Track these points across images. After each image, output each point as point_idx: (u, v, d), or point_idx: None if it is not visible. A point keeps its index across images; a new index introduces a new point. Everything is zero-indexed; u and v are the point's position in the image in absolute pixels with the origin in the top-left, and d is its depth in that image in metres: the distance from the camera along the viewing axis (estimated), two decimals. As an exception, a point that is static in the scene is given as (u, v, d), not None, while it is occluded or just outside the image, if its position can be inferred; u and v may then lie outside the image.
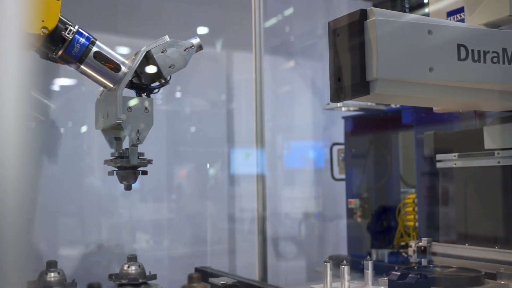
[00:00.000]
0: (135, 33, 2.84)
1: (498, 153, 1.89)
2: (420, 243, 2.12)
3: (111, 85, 1.60)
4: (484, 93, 1.62)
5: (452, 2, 1.80)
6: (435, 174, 2.17)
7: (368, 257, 1.70)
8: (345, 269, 1.61)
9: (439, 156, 2.13)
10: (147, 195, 2.98)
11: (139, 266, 1.34)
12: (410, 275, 1.46)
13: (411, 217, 2.39)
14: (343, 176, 2.81)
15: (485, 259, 1.90)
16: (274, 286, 1.82)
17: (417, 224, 2.30)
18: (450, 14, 1.82)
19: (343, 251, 2.79)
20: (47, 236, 2.66)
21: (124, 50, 2.87)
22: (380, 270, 2.26)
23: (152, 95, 1.68)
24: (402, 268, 1.89)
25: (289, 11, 3.38)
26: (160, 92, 3.07)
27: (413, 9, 2.80)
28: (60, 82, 2.80)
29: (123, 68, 1.59)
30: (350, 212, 2.70)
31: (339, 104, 2.57)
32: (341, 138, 2.82)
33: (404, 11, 2.76)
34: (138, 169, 1.67)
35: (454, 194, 2.09)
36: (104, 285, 1.37)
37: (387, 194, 2.71)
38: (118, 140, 1.71)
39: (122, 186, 2.95)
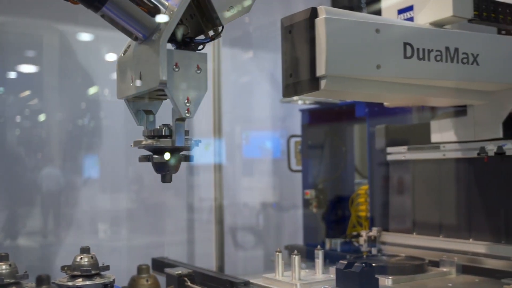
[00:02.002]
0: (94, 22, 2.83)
1: (444, 146, 1.98)
2: (371, 233, 2.20)
3: (144, 35, 1.18)
4: (429, 89, 1.69)
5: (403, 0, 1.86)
6: (386, 166, 2.25)
7: (319, 246, 1.76)
8: (296, 258, 1.66)
9: (389, 149, 2.21)
10: (107, 185, 2.98)
11: (92, 257, 1.36)
12: (356, 264, 1.52)
13: (363, 207, 2.47)
14: (299, 168, 2.87)
15: (430, 248, 1.99)
16: (230, 275, 1.86)
17: (368, 214, 2.37)
18: (401, 11, 1.89)
19: (299, 240, 2.86)
20: (2, 228, 2.63)
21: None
22: (333, 259, 2.32)
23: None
24: (352, 257, 1.96)
25: (248, 2, 3.40)
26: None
27: (369, 3, 2.87)
28: (18, 69, 2.77)
29: (163, 11, 1.17)
30: (306, 203, 2.77)
31: (295, 98, 2.62)
32: (298, 130, 2.88)
33: (360, 6, 2.83)
34: (182, 153, 1.28)
35: (403, 186, 2.17)
36: (57, 277, 1.39)
37: (342, 185, 2.79)
38: (150, 113, 1.32)
39: (81, 176, 2.95)
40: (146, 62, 1.21)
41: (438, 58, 1.58)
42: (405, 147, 2.14)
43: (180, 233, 3.10)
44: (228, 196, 3.07)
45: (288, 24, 1.53)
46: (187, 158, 1.29)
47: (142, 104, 1.32)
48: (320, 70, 1.44)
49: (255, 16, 3.43)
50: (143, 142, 1.26)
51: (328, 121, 2.80)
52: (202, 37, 1.29)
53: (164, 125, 1.26)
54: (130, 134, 3.00)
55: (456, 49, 1.61)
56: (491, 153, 1.78)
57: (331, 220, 2.75)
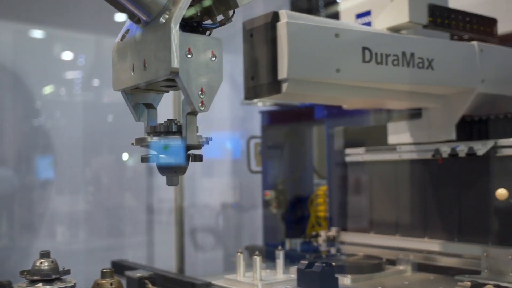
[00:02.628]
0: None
1: (400, 148, 2.03)
2: (330, 233, 2.24)
3: (149, 16, 1.05)
4: (387, 93, 1.74)
5: (361, 4, 1.90)
6: (344, 166, 2.29)
7: (280, 247, 1.79)
8: (258, 259, 1.68)
9: (348, 150, 2.25)
10: (64, 187, 2.92)
11: (52, 261, 1.33)
12: (316, 263, 1.55)
13: (322, 207, 2.52)
14: (259, 169, 2.89)
15: (387, 247, 2.05)
16: (190, 277, 1.86)
17: (327, 214, 2.42)
18: (359, 16, 1.93)
19: (259, 240, 2.88)
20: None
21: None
22: (293, 259, 2.35)
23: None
24: (312, 257, 2.00)
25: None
26: (79, 78, 3.01)
27: (327, 6, 2.92)
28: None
29: None
30: (266, 203, 2.79)
31: (256, 100, 2.64)
32: (258, 131, 2.90)
33: (318, 9, 2.87)
34: (190, 152, 1.14)
35: (361, 186, 2.22)
36: (16, 282, 1.36)
37: (301, 186, 2.82)
38: (151, 108, 1.19)
39: (36, 177, 2.89)
40: (152, 48, 1.06)
41: (395, 62, 1.63)
42: (363, 148, 2.19)
43: (139, 235, 3.08)
44: (188, 197, 3.06)
45: (250, 27, 1.55)
46: (197, 158, 1.14)
47: (142, 97, 1.18)
48: (282, 74, 1.47)
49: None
50: (149, 140, 1.10)
51: (287, 123, 2.83)
52: (209, 22, 1.18)
53: (169, 120, 1.11)
54: (88, 136, 2.96)
55: (412, 54, 1.66)
56: (445, 155, 1.84)
57: (291, 220, 2.78)
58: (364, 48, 1.59)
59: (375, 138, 2.18)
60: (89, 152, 2.98)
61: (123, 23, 1.18)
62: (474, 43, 1.83)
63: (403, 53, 1.65)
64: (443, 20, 1.78)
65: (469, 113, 1.85)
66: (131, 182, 3.17)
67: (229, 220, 3.35)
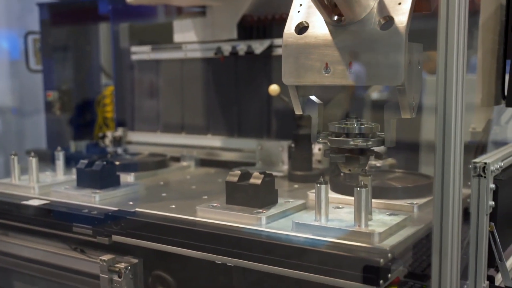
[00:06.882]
0: None
1: (186, 46, 2.03)
2: (116, 133, 2.20)
3: (357, 14, 0.98)
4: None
5: None
6: (131, 66, 2.23)
7: (59, 148, 1.71)
8: (33, 161, 1.59)
9: (133, 49, 2.18)
10: None
11: None
12: (96, 162, 1.51)
13: (109, 108, 2.44)
14: (39, 68, 2.67)
15: (173, 144, 2.09)
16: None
17: (115, 115, 2.36)
18: None
19: (44, 145, 2.72)
20: None
21: None
22: (79, 161, 2.28)
23: None
24: (96, 158, 1.95)
25: None
26: None
27: None
28: None
29: None
30: (49, 105, 2.62)
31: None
32: (37, 27, 2.64)
33: None
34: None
35: (148, 85, 2.19)
36: None
37: (88, 87, 2.69)
38: (313, 101, 1.12)
39: None
40: (367, 52, 0.99)
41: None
42: (149, 46, 2.14)
43: None
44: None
45: None
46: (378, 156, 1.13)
47: (308, 91, 1.12)
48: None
49: None
50: (351, 142, 1.07)
51: (70, 18, 2.62)
52: None
53: (354, 119, 1.09)
54: None
55: None
56: (226, 53, 1.89)
57: (78, 123, 2.66)
58: None
59: (162, 36, 2.13)
60: None
61: None
62: None
63: None
64: None
65: (250, 13, 1.90)
66: None
67: (8, 126, 3.08)
